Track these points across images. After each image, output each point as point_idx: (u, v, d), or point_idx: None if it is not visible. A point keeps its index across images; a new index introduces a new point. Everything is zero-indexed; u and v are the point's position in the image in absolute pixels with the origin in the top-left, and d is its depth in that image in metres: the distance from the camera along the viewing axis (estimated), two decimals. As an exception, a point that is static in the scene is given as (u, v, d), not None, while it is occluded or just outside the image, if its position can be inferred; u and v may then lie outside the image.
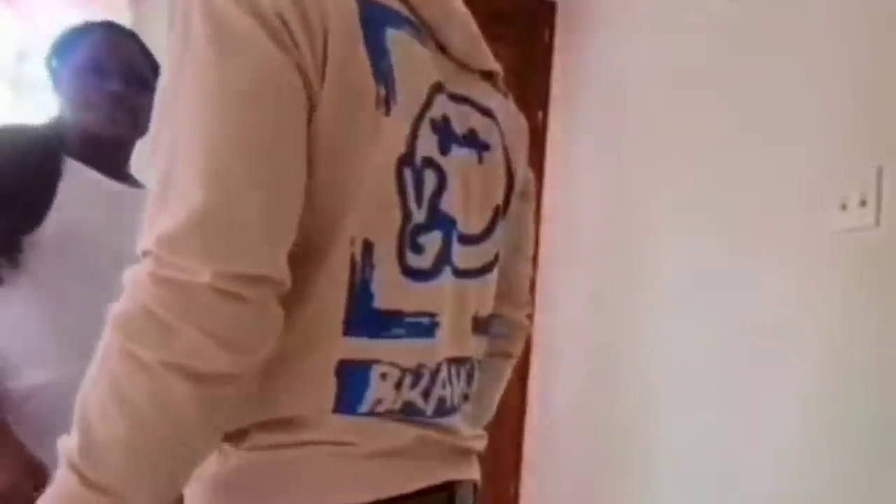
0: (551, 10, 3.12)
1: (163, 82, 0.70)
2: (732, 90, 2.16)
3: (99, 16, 1.75)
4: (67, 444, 0.65)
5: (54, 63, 1.65)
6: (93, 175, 1.57)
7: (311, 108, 0.69)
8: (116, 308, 0.65)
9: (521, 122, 0.98)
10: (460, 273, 0.82)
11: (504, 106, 0.92)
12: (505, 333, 1.07)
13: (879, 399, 1.65)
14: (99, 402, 0.64)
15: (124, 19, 2.21)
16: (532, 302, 3.03)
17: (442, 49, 0.83)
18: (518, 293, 1.07)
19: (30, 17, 2.70)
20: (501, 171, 0.89)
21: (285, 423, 0.73)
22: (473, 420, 0.94)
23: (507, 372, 1.13)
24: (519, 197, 0.99)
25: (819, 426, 1.77)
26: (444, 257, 0.79)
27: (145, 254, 0.65)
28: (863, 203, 1.71)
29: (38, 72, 2.83)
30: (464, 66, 0.86)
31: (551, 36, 3.11)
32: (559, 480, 2.78)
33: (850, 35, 1.82)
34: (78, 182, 1.53)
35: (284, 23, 0.67)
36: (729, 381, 2.05)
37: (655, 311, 2.39)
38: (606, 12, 2.84)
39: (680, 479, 2.20)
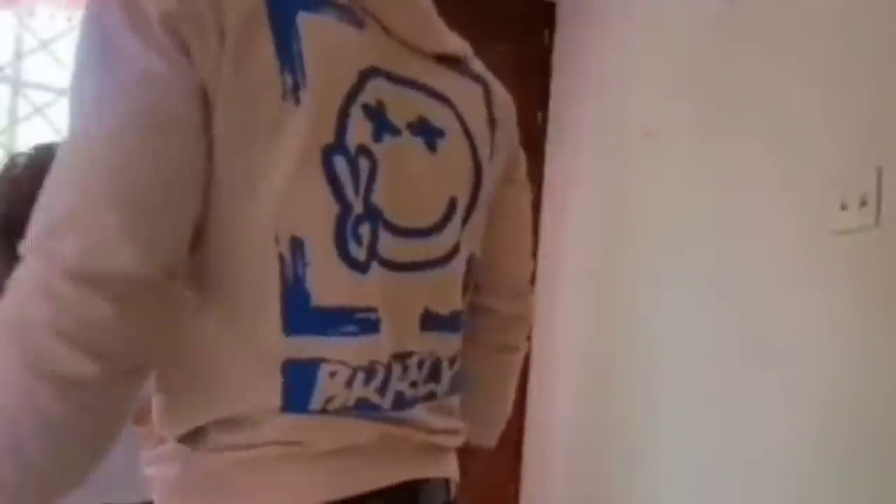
0: (551, 10, 3.12)
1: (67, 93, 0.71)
2: (732, 90, 2.16)
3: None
4: None
5: None
6: None
7: (209, 107, 0.68)
8: (2, 307, 0.65)
9: (502, 106, 0.93)
10: (396, 266, 0.78)
11: (468, 90, 0.87)
12: (498, 327, 1.03)
13: (880, 399, 1.65)
14: None
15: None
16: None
17: (391, 33, 0.79)
18: (507, 284, 1.03)
19: (29, 17, 2.69)
20: (462, 160, 0.85)
21: (237, 423, 0.72)
22: (485, 417, 0.92)
23: (512, 364, 1.08)
24: (502, 183, 0.95)
25: (819, 426, 1.77)
26: (372, 250, 0.76)
27: (21, 255, 0.66)
28: (863, 203, 1.71)
29: (38, 72, 2.83)
30: (414, 50, 0.81)
31: (551, 36, 3.11)
32: (559, 481, 2.78)
33: (850, 35, 1.82)
34: None
35: (174, 33, 0.66)
36: (729, 382, 2.05)
37: (655, 311, 2.39)
38: (606, 12, 2.84)
39: (680, 479, 2.19)
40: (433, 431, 0.82)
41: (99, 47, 0.67)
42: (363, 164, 0.74)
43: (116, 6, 0.67)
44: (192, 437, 0.74)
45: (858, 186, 1.72)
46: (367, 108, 0.74)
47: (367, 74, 0.75)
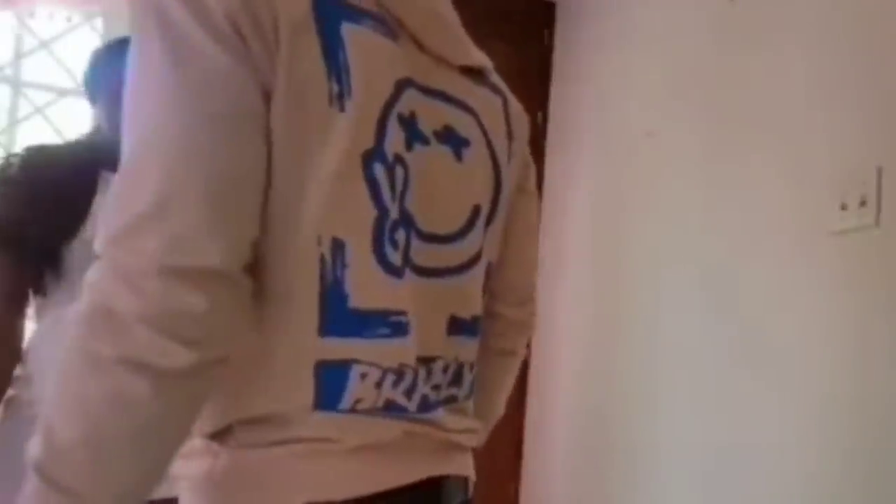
0: (551, 10, 3.12)
1: (126, 90, 0.71)
2: (731, 91, 2.16)
3: (98, 16, 1.75)
4: (33, 447, 0.65)
5: (91, 79, 1.65)
6: None
7: (268, 105, 0.70)
8: (78, 308, 0.66)
9: (518, 117, 0.96)
10: (425, 272, 0.80)
11: (489, 101, 0.90)
12: (501, 331, 1.05)
13: (879, 399, 1.65)
14: (59, 402, 0.65)
15: (124, 19, 2.21)
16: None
17: (417, 44, 0.82)
18: (513, 290, 1.05)
19: (29, 17, 2.70)
20: (485, 169, 0.88)
21: (268, 420, 0.73)
22: (479, 418, 0.93)
23: (510, 368, 1.11)
24: (515, 192, 0.97)
25: (819, 426, 1.77)
26: (405, 256, 0.78)
27: (99, 252, 0.67)
28: (863, 203, 1.71)
29: (38, 72, 2.83)
30: (441, 61, 0.84)
31: (550, 37, 3.11)
32: (559, 481, 2.78)
33: (850, 35, 1.82)
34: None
35: (237, 30, 0.68)
36: (729, 382, 2.05)
37: (656, 312, 2.39)
38: (606, 13, 2.84)
39: (681, 479, 2.20)
40: (452, 431, 0.83)
41: (167, 43, 0.67)
42: (399, 171, 0.76)
43: (180, 4, 0.68)
44: (221, 434, 0.75)
45: (858, 186, 1.72)
46: (401, 118, 0.77)
47: (402, 85, 0.77)
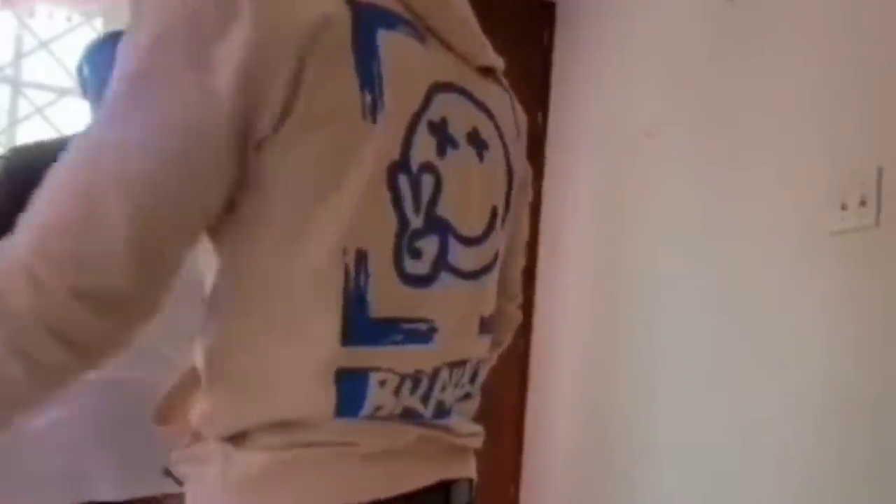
0: (551, 10, 3.12)
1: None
2: (731, 91, 2.16)
3: (98, 15, 1.75)
4: None
5: (85, 72, 1.64)
6: None
7: (247, 145, 0.69)
8: None
9: (521, 116, 0.97)
10: (463, 275, 0.81)
11: (502, 101, 0.91)
12: (499, 325, 1.06)
13: (879, 399, 1.65)
14: None
15: (124, 19, 2.21)
16: (531, 302, 3.04)
17: (445, 45, 0.81)
18: (511, 285, 1.06)
19: (29, 17, 2.70)
20: (501, 170, 0.89)
21: (287, 425, 0.73)
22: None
23: (493, 359, 1.13)
24: (518, 191, 0.98)
25: (818, 425, 1.78)
26: (441, 261, 0.78)
27: (18, 241, 0.67)
28: (863, 203, 1.71)
29: (38, 72, 2.83)
30: (465, 62, 0.84)
31: (550, 37, 3.11)
32: (559, 481, 2.78)
33: (850, 35, 1.82)
34: None
35: (247, 72, 0.66)
36: (729, 382, 2.05)
37: (655, 311, 2.39)
38: (606, 13, 2.84)
39: (681, 479, 2.20)
40: (461, 435, 0.85)
41: (144, 62, 0.67)
42: (426, 179, 0.76)
43: (181, 35, 0.67)
44: (236, 438, 0.75)
45: (858, 186, 1.72)
46: (431, 125, 0.77)
47: (432, 90, 0.77)
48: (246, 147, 0.70)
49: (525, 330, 2.99)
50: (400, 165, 0.74)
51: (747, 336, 2.01)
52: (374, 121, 0.72)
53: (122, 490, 1.44)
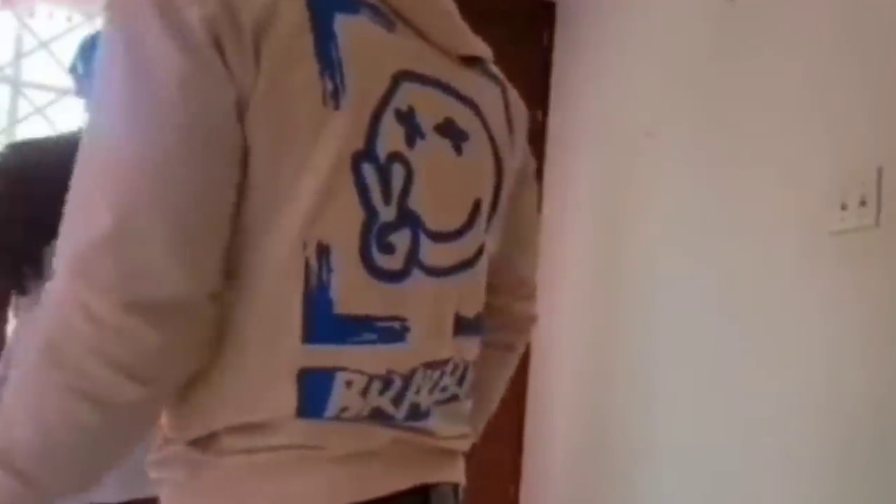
0: (551, 10, 3.12)
1: (90, 101, 0.69)
2: (731, 91, 2.16)
3: (98, 15, 1.74)
4: None
5: (79, 69, 1.64)
6: None
7: (242, 117, 0.67)
8: (40, 320, 0.66)
9: (518, 107, 0.94)
10: (433, 272, 0.77)
11: (489, 92, 0.87)
12: (508, 326, 1.03)
13: (880, 399, 1.65)
14: (17, 404, 0.67)
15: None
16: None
17: (421, 35, 0.78)
18: (521, 284, 1.03)
19: (29, 17, 2.70)
20: (487, 162, 0.85)
21: (253, 428, 0.71)
22: (474, 414, 0.92)
23: (509, 364, 1.08)
24: (517, 184, 0.95)
25: (819, 426, 1.77)
26: (413, 257, 0.75)
27: (55, 275, 0.65)
28: (863, 203, 1.71)
29: (38, 72, 2.83)
30: (441, 51, 0.80)
31: (550, 37, 3.11)
32: (559, 481, 2.78)
33: (850, 35, 1.82)
34: None
35: (215, 40, 0.64)
36: (729, 382, 2.05)
37: (655, 311, 2.39)
38: (606, 12, 2.84)
39: (681, 479, 2.20)
40: (445, 437, 0.82)
41: (131, 53, 0.65)
42: (397, 170, 0.73)
43: (151, 11, 0.64)
44: (203, 441, 0.73)
45: (858, 186, 1.72)
46: (398, 114, 0.74)
47: (398, 78, 0.74)
48: (240, 111, 0.67)
49: (525, 330, 2.98)
50: (364, 154, 0.71)
51: (747, 336, 2.01)
52: (337, 107, 0.69)
53: (123, 491, 1.43)
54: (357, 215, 0.71)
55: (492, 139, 0.85)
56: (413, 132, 0.75)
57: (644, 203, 2.50)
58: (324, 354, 0.71)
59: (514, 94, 0.94)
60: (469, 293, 0.84)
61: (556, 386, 2.84)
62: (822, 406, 1.77)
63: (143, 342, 0.63)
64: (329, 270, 0.70)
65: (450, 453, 0.83)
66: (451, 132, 0.79)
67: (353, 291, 0.71)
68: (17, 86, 2.78)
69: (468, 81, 0.83)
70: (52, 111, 2.79)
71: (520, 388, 2.95)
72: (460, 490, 0.85)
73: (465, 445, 0.86)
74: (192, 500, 0.74)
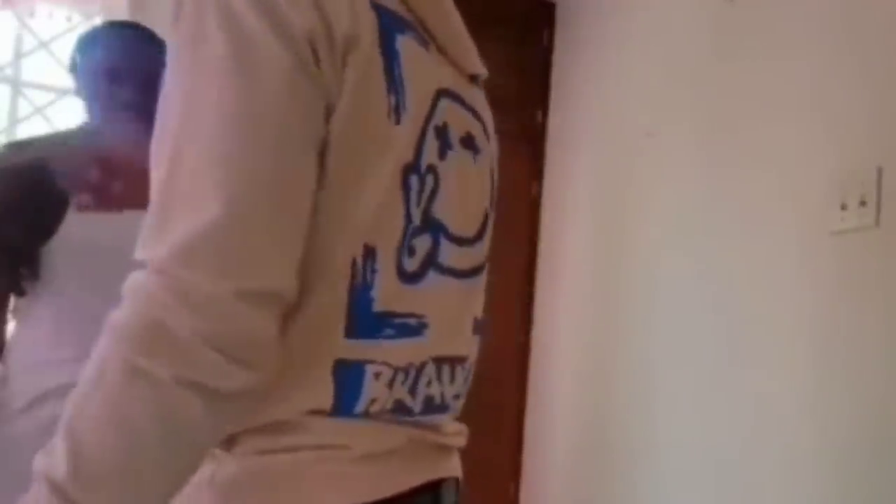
0: (551, 10, 3.12)
1: (166, 86, 0.69)
2: (731, 91, 2.16)
3: (98, 15, 1.75)
4: (51, 465, 0.62)
5: (76, 63, 1.64)
6: None
7: (328, 122, 0.70)
8: (118, 319, 0.63)
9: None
10: (456, 273, 0.82)
11: (486, 107, 0.93)
12: None
13: (879, 399, 1.65)
14: (94, 421, 0.62)
15: (124, 18, 2.21)
16: (532, 301, 3.03)
17: (442, 52, 0.83)
18: None
19: (29, 17, 2.70)
20: (489, 174, 0.91)
21: (278, 427, 0.72)
22: None
23: None
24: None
25: (818, 426, 1.78)
26: (430, 260, 0.79)
27: (153, 264, 0.64)
28: (863, 203, 1.71)
29: (38, 72, 2.83)
30: (458, 69, 0.86)
31: (550, 36, 3.11)
32: (559, 481, 2.78)
33: (849, 35, 1.82)
34: None
35: (313, 47, 0.68)
36: (728, 381, 2.05)
37: (655, 311, 2.39)
38: (606, 12, 2.84)
39: (681, 478, 2.20)
40: (448, 434, 0.85)
41: (233, 46, 0.66)
42: (429, 180, 0.78)
43: (255, 12, 0.66)
44: (226, 441, 0.73)
45: (858, 186, 1.72)
46: (437, 129, 0.79)
47: (437, 96, 0.79)
48: (328, 117, 0.70)
49: (525, 329, 2.99)
50: (413, 167, 0.76)
51: (747, 336, 2.01)
52: (398, 121, 0.74)
53: None
54: (400, 223, 0.76)
55: (491, 153, 0.91)
56: (445, 146, 0.80)
57: (644, 203, 2.50)
58: (358, 348, 0.74)
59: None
60: (482, 296, 0.90)
61: (556, 386, 2.85)
62: (822, 406, 1.77)
63: (254, 328, 0.64)
64: (373, 271, 0.74)
65: (451, 449, 0.87)
66: (470, 145, 0.85)
67: (387, 291, 0.75)
68: (17, 86, 2.77)
69: (476, 97, 0.89)
70: (52, 111, 2.79)
71: (520, 388, 2.95)
72: (460, 484, 0.88)
73: (462, 441, 0.89)
74: (205, 494, 0.74)
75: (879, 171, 1.69)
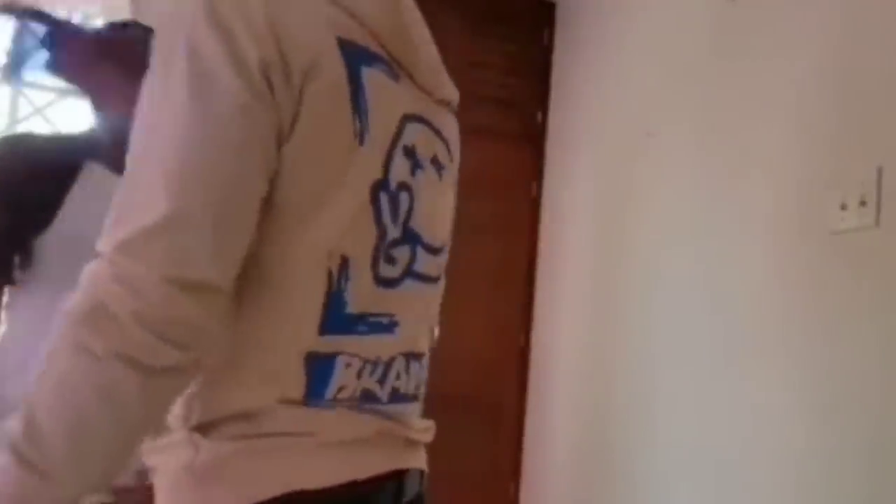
0: (551, 10, 3.12)
1: (141, 96, 0.77)
2: (731, 91, 2.16)
3: (99, 15, 1.74)
4: (11, 428, 0.71)
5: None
6: (116, 181, 1.56)
7: (280, 143, 0.78)
8: (71, 302, 0.72)
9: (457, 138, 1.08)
10: (425, 279, 0.93)
11: (454, 130, 1.03)
12: None
13: (880, 399, 1.65)
14: (46, 391, 0.71)
15: (125, 18, 2.21)
16: (531, 302, 3.03)
17: (412, 80, 0.92)
18: None
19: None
20: (452, 191, 1.01)
21: (251, 415, 0.80)
22: None
23: None
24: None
25: (818, 427, 1.78)
26: (409, 268, 0.89)
27: (105, 254, 0.73)
28: (863, 203, 1.71)
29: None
30: (429, 96, 0.95)
31: (551, 36, 3.11)
32: (559, 480, 2.78)
33: (850, 35, 1.83)
34: (95, 187, 1.52)
35: (266, 76, 0.75)
36: (728, 381, 2.06)
37: (655, 311, 2.39)
38: (606, 12, 2.84)
39: (681, 478, 2.20)
40: (415, 429, 0.93)
41: (194, 75, 0.74)
42: (403, 196, 0.88)
43: (216, 42, 0.74)
44: (205, 427, 0.80)
45: (858, 186, 1.72)
46: (406, 149, 0.88)
47: (404, 121, 0.89)
48: (279, 138, 0.78)
49: (525, 329, 2.99)
50: (382, 184, 0.85)
51: (747, 335, 2.01)
52: (362, 142, 0.82)
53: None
54: (373, 234, 0.85)
55: (454, 172, 1.02)
56: (415, 164, 0.90)
57: (644, 203, 2.50)
58: (331, 343, 0.82)
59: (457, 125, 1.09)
60: (439, 298, 1.00)
61: (556, 386, 2.85)
62: (821, 405, 1.77)
63: (185, 314, 0.71)
64: (346, 279, 0.83)
65: (417, 444, 0.94)
66: (437, 164, 0.95)
67: (361, 295, 0.84)
68: (16, 85, 2.77)
69: (443, 120, 0.98)
70: (52, 111, 2.79)
71: (520, 388, 2.95)
72: (424, 477, 0.95)
73: (429, 437, 0.97)
74: (187, 483, 0.80)
75: (879, 171, 1.69)
